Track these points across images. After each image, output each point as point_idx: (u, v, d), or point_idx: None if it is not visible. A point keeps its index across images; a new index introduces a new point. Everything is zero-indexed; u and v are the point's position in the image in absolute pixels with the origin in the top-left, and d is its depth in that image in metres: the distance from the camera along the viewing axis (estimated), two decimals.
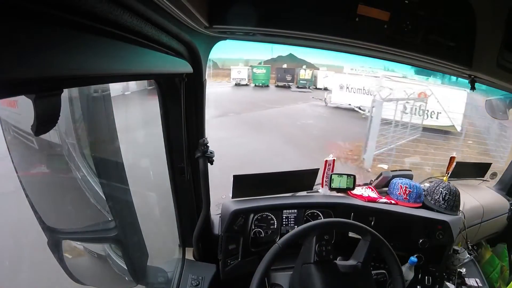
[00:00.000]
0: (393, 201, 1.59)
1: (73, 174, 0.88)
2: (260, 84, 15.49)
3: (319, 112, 10.56)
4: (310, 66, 17.14)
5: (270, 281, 1.19)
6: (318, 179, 1.63)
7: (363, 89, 9.92)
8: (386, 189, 1.73)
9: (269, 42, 0.97)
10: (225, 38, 0.99)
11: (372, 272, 1.18)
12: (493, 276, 1.89)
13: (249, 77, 15.72)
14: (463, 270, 1.65)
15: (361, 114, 9.28)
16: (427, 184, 1.80)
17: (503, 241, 2.07)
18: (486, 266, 1.93)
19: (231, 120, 8.78)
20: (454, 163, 1.94)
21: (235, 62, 16.40)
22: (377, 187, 1.74)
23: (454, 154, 1.94)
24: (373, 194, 1.64)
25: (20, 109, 0.75)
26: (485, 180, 2.19)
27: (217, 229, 1.44)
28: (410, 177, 1.78)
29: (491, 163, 2.24)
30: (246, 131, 7.67)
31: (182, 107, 1.02)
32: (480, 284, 1.69)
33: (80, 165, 0.88)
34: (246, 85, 15.57)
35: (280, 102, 11.76)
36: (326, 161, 1.62)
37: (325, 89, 14.17)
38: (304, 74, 15.97)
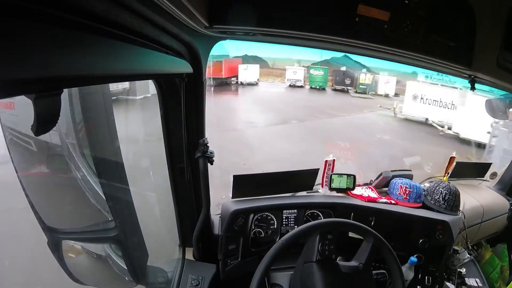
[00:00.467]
0: (393, 201, 1.59)
1: (73, 174, 0.88)
2: (317, 87, 14.38)
3: (392, 125, 9.29)
4: (367, 69, 15.40)
5: (270, 281, 1.19)
6: (318, 179, 1.63)
7: (440, 101, 8.76)
8: (386, 189, 1.73)
9: (269, 42, 0.97)
10: (225, 38, 0.99)
11: (372, 272, 1.18)
12: (493, 276, 1.89)
13: (305, 78, 14.70)
14: (463, 270, 1.65)
15: (439, 131, 8.31)
16: (427, 184, 1.80)
17: (503, 241, 2.07)
18: (486, 266, 1.93)
19: (295, 129, 7.64)
20: (454, 163, 1.94)
21: (287, 62, 15.31)
22: (377, 187, 1.74)
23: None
24: (373, 194, 1.64)
25: (18, 110, 0.75)
26: (485, 180, 2.19)
27: (217, 229, 1.44)
28: (410, 177, 1.78)
29: (491, 163, 2.23)
30: (318, 146, 6.34)
31: (182, 107, 1.03)
32: (480, 284, 1.69)
33: (80, 165, 0.88)
34: (301, 86, 14.58)
35: (344, 109, 10.48)
36: (326, 161, 1.62)
37: (386, 95, 13.20)
38: (364, 78, 14.34)
